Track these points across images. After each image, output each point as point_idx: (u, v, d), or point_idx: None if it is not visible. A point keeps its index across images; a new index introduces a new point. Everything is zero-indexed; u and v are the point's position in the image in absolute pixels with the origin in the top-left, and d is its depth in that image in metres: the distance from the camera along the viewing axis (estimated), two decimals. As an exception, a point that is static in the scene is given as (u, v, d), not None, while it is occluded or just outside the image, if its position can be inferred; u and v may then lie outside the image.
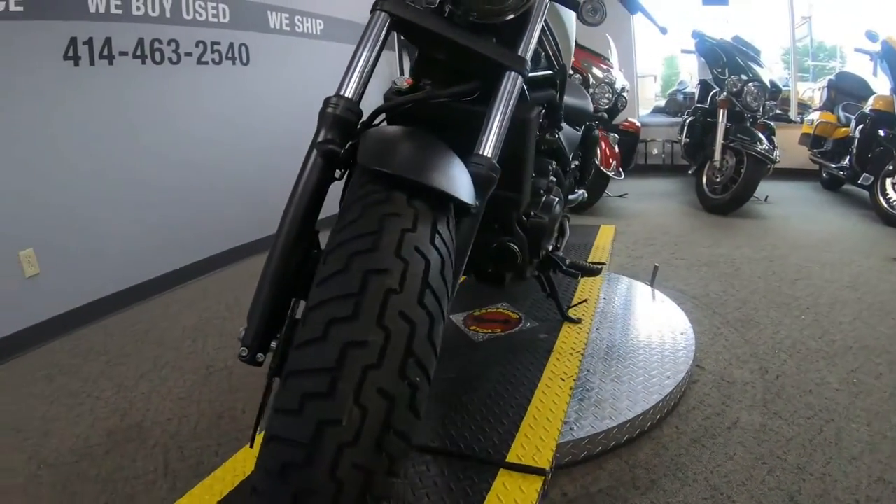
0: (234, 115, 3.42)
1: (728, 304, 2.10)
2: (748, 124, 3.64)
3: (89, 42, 2.60)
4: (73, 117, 2.56)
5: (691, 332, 1.73)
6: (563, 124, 1.92)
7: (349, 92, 1.04)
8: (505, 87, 1.07)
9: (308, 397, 0.60)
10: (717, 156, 3.66)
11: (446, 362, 1.71)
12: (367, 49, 1.07)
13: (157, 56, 2.92)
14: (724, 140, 3.63)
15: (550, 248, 1.75)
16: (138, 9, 2.80)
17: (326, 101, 1.03)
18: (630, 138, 4.33)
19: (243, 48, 3.45)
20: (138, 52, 2.82)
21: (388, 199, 0.76)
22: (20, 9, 2.34)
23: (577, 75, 3.86)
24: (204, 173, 3.28)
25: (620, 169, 3.80)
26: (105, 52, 2.67)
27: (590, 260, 2.57)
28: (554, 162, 1.67)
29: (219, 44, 3.28)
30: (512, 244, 1.46)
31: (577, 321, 1.90)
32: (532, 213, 1.53)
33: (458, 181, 0.83)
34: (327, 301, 0.66)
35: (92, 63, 2.63)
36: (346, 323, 0.63)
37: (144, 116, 2.90)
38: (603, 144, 3.78)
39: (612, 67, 3.91)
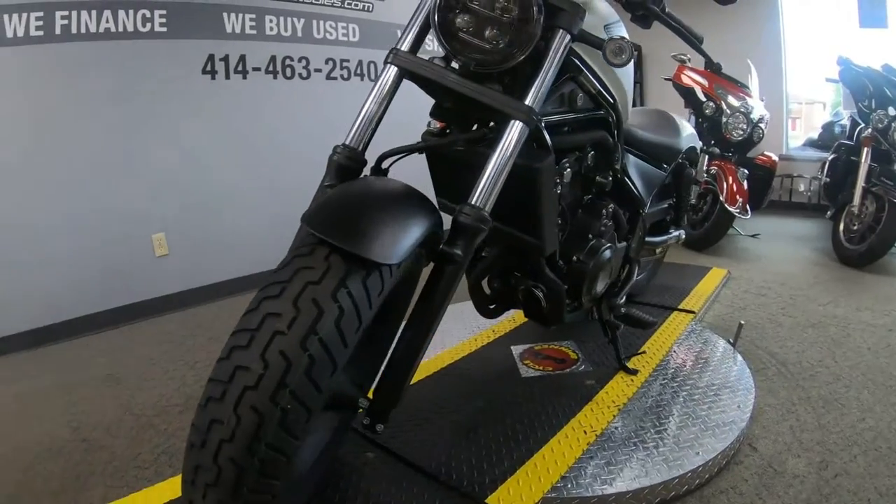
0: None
1: (818, 377, 1.82)
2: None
3: (225, 59, 2.98)
4: (207, 123, 2.95)
5: (750, 406, 1.53)
6: (642, 162, 1.82)
7: (353, 140, 1.17)
8: (506, 136, 1.08)
9: (209, 399, 0.78)
10: (857, 200, 3.16)
11: (482, 390, 1.76)
12: (375, 100, 1.19)
13: (288, 71, 3.25)
14: (865, 183, 3.12)
15: (602, 292, 1.67)
16: (271, 29, 3.15)
17: (334, 149, 1.17)
18: (764, 173, 3.88)
19: (372, 66, 3.68)
20: (270, 68, 3.17)
21: (311, 253, 0.86)
22: (164, 29, 2.76)
23: (711, 103, 3.58)
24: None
25: (748, 207, 3.44)
26: (240, 68, 3.04)
27: (682, 306, 2.38)
28: (611, 205, 1.58)
29: (348, 61, 3.55)
30: (536, 289, 1.43)
31: (634, 372, 1.78)
32: (575, 258, 1.48)
33: (383, 243, 0.86)
34: (237, 332, 0.80)
35: (227, 77, 3.01)
36: (241, 350, 0.78)
37: (272, 124, 3.23)
38: (730, 179, 3.46)
39: (749, 96, 3.55)
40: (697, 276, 2.89)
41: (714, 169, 3.57)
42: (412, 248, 0.92)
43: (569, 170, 1.37)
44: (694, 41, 1.38)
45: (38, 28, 2.49)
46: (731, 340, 2.00)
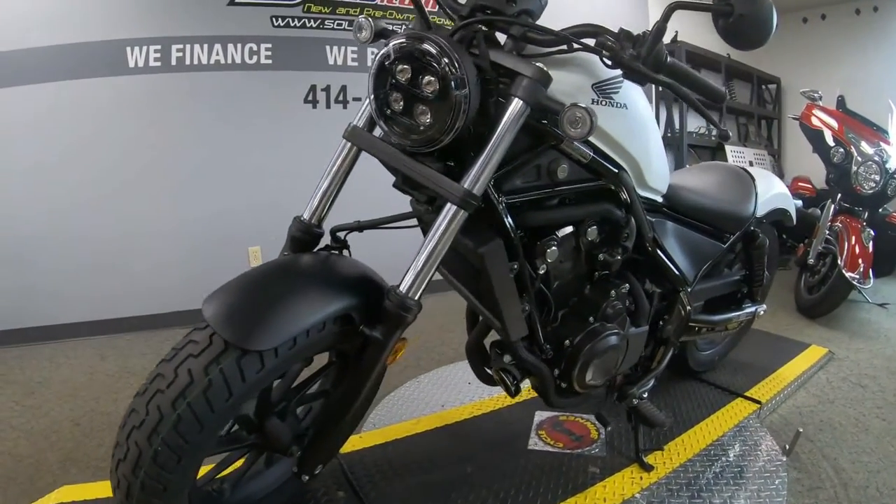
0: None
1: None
2: None
3: (327, 89, 3.17)
4: (306, 148, 3.11)
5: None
6: (689, 232, 1.61)
7: (308, 214, 1.22)
8: (440, 220, 1.03)
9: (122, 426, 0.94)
10: None
11: (480, 455, 1.67)
12: (331, 174, 1.24)
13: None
14: None
15: (612, 378, 1.50)
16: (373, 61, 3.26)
17: (294, 220, 1.22)
18: (897, 234, 3.27)
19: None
20: (339, 98, 3.27)
21: (203, 328, 0.95)
22: (269, 61, 2.99)
23: (840, 149, 3.09)
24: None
25: (871, 272, 2.91)
26: (340, 98, 3.21)
27: (751, 392, 2.07)
28: (625, 285, 1.41)
29: None
30: (505, 373, 1.32)
31: (649, 469, 1.57)
32: (567, 342, 1.34)
33: (258, 330, 0.92)
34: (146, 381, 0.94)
35: (328, 106, 3.19)
36: (138, 397, 0.93)
37: None
38: (853, 239, 2.95)
39: (887, 142, 3.00)
40: (789, 354, 2.49)
41: (838, 225, 3.08)
42: (296, 333, 0.95)
43: (554, 248, 1.22)
44: (696, 104, 1.17)
45: (156, 59, 2.83)
46: (787, 450, 1.70)
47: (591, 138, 1.17)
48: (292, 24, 3.06)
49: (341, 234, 1.26)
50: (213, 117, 2.95)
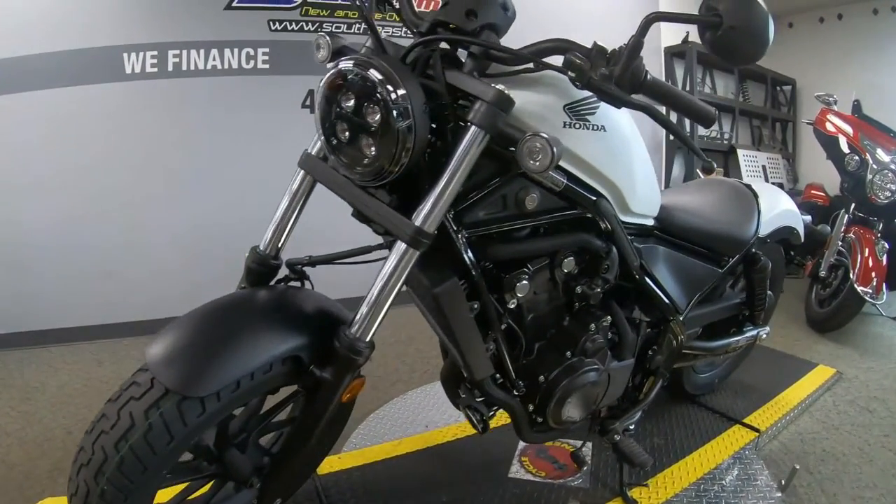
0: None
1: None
2: None
3: (325, 93, 3.06)
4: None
5: None
6: (682, 257, 1.50)
7: (265, 244, 1.17)
8: (391, 258, 0.95)
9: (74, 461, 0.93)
10: None
11: (457, 482, 1.59)
12: (286, 203, 1.17)
13: (379, 103, 3.26)
14: None
15: (593, 413, 1.39)
16: (372, 63, 3.17)
17: (250, 250, 1.17)
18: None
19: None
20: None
21: (144, 370, 0.92)
22: (267, 66, 2.91)
23: (855, 156, 2.92)
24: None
25: (885, 286, 2.74)
26: (338, 100, 3.11)
27: (750, 419, 1.94)
28: (606, 318, 1.30)
29: None
30: (471, 410, 1.23)
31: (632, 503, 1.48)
32: (542, 377, 1.24)
33: (194, 374, 0.88)
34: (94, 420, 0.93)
35: None
36: (86, 435, 0.91)
37: None
38: (866, 252, 2.79)
39: (906, 151, 2.83)
40: (795, 375, 2.35)
41: (851, 236, 2.91)
42: (239, 377, 0.90)
43: (525, 282, 1.12)
44: (677, 131, 1.05)
45: (152, 66, 2.78)
46: (782, 486, 1.58)
47: (564, 164, 1.07)
48: (290, 28, 2.98)
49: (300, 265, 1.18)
50: (211, 123, 2.89)
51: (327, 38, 1.11)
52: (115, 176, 2.79)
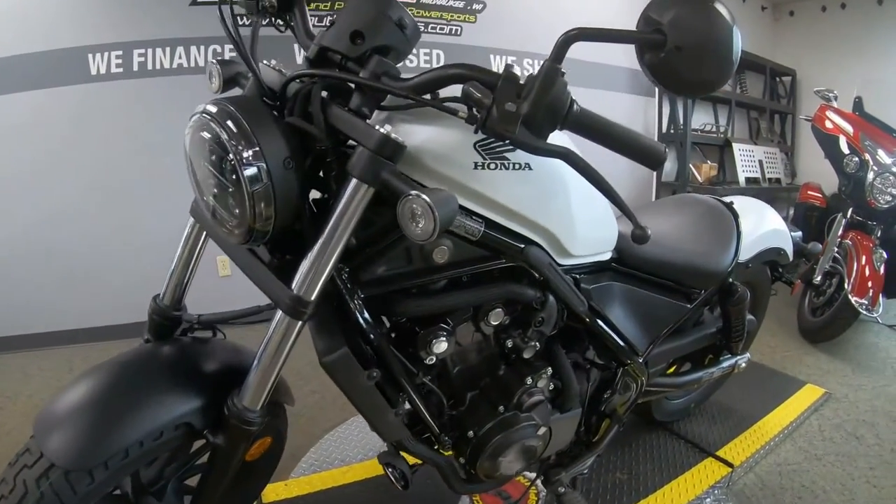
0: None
1: None
2: None
3: (295, 91, 2.86)
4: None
5: None
6: (642, 293, 1.29)
7: (163, 294, 1.05)
8: (271, 328, 0.82)
9: None
10: None
11: None
12: (181, 251, 1.04)
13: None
14: None
15: (535, 463, 1.22)
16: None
17: (152, 300, 1.05)
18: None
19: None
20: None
21: None
22: (236, 64, 2.71)
23: (855, 157, 2.65)
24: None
25: (881, 297, 2.50)
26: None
27: (724, 451, 1.76)
28: (546, 369, 1.11)
29: None
30: (391, 467, 1.07)
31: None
32: (471, 432, 1.07)
33: (77, 446, 0.79)
34: None
35: None
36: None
37: None
38: (863, 260, 2.55)
39: (909, 153, 2.56)
40: (780, 396, 2.15)
41: (848, 242, 2.67)
42: (126, 446, 0.81)
43: (442, 340, 0.93)
44: (601, 182, 0.82)
45: (118, 66, 2.59)
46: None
47: (481, 210, 0.89)
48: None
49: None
50: (179, 125, 2.69)
51: (218, 65, 0.94)
52: (86, 179, 2.63)
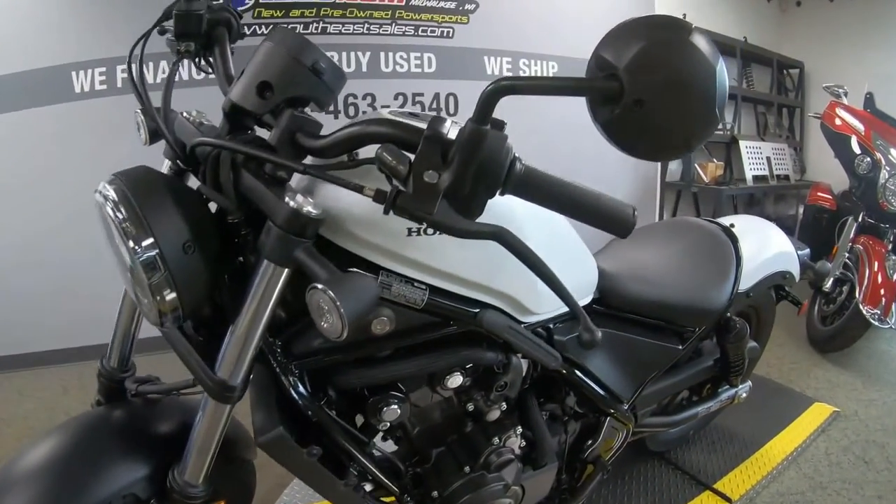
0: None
1: None
2: None
3: (282, 101, 2.73)
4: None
5: None
6: (627, 337, 1.16)
7: (109, 355, 0.97)
8: (199, 412, 0.75)
9: None
10: None
11: None
12: (120, 310, 0.98)
13: (351, 111, 2.92)
14: None
15: None
16: (331, 66, 2.82)
17: (100, 361, 0.98)
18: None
19: (451, 98, 3.16)
20: (331, 108, 2.86)
21: None
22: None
23: (867, 157, 2.46)
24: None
25: (892, 308, 2.32)
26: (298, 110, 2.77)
27: (721, 484, 1.62)
28: (517, 428, 1.00)
29: (422, 95, 3.06)
30: None
31: None
32: (436, 493, 0.96)
33: None
34: None
35: None
36: None
37: None
38: (875, 266, 2.37)
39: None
40: (787, 417, 2.00)
41: (860, 247, 2.49)
42: None
43: (394, 407, 0.83)
44: (545, 274, 0.66)
45: (101, 83, 2.49)
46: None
47: (423, 278, 0.76)
48: (243, 32, 2.63)
49: None
50: (167, 139, 2.61)
51: (141, 115, 0.84)
52: (77, 195, 2.53)
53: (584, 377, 1.07)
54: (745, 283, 1.36)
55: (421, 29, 3.00)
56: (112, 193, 0.66)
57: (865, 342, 2.61)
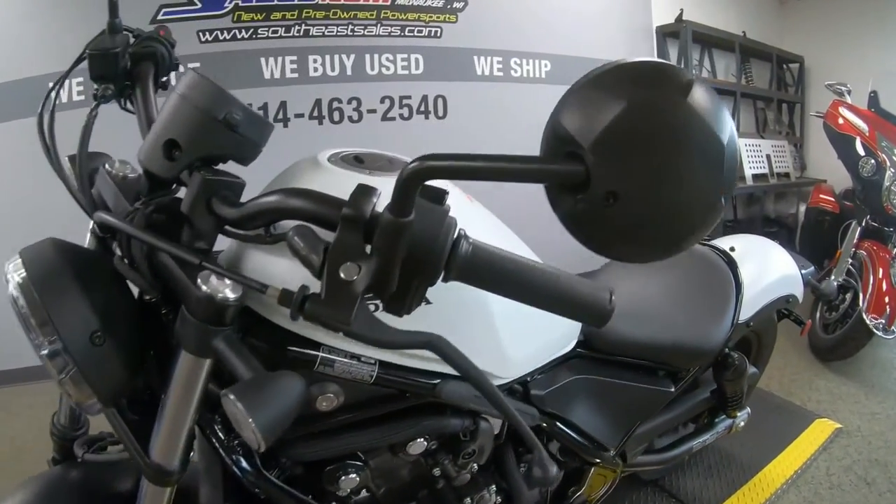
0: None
1: None
2: None
3: (264, 107, 2.60)
4: (244, 175, 2.64)
5: None
6: (614, 383, 1.05)
7: (59, 415, 0.90)
8: (140, 494, 0.65)
9: None
10: None
11: None
12: None
13: (336, 115, 2.78)
14: None
15: None
16: (316, 70, 2.68)
17: (52, 418, 0.91)
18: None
19: (440, 100, 3.02)
20: (315, 114, 2.72)
21: None
22: (197, 83, 2.47)
23: (871, 159, 2.33)
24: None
25: (900, 319, 2.20)
26: (280, 115, 2.65)
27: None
28: (491, 486, 0.90)
29: (409, 97, 2.93)
30: None
31: None
32: None
33: None
34: None
35: None
36: None
37: None
38: (880, 273, 2.25)
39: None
40: (787, 436, 1.88)
41: (863, 253, 2.36)
42: None
43: (353, 476, 0.74)
44: (476, 382, 0.56)
45: (79, 93, 2.38)
46: None
47: (371, 354, 0.66)
48: (221, 38, 2.50)
49: None
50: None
51: (69, 161, 0.77)
52: (65, 204, 2.44)
53: (565, 429, 0.97)
54: (746, 313, 1.24)
55: (407, 29, 2.86)
56: (14, 276, 0.56)
57: (868, 349, 2.48)
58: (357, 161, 0.72)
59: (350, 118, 2.82)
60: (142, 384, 0.66)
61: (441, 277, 0.48)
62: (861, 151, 2.36)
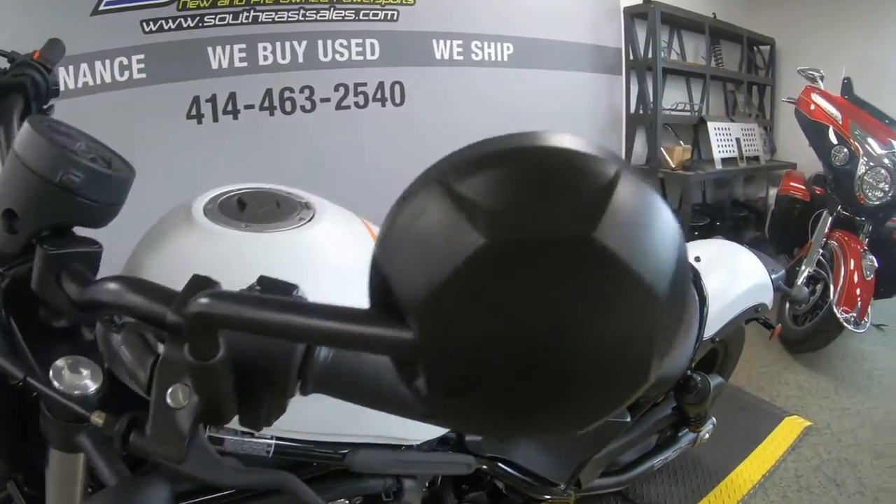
0: (377, 159, 2.89)
1: None
2: None
3: (212, 99, 2.38)
4: (194, 170, 2.43)
5: None
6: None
7: None
8: None
9: None
10: None
11: None
12: None
13: (288, 105, 2.57)
14: None
15: None
16: (265, 58, 2.46)
17: None
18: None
19: (397, 87, 2.83)
20: (265, 104, 2.51)
21: None
22: (143, 75, 2.24)
23: (844, 148, 2.22)
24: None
25: (867, 310, 2.11)
26: (229, 108, 2.43)
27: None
28: None
29: (364, 85, 2.72)
30: None
31: None
32: None
33: None
34: None
35: (216, 119, 2.41)
36: None
37: (267, 167, 2.59)
38: (851, 265, 2.16)
39: (902, 142, 2.12)
40: (755, 437, 1.80)
41: (834, 243, 2.27)
42: None
43: None
44: None
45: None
46: None
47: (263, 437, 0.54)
48: (165, 27, 2.28)
49: None
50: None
51: None
52: None
53: (509, 469, 0.84)
54: (711, 329, 1.12)
55: (362, 13, 2.65)
56: None
57: (839, 340, 2.40)
58: (239, 206, 0.59)
59: (303, 108, 2.62)
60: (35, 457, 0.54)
61: (298, 391, 0.36)
62: (834, 140, 2.25)
